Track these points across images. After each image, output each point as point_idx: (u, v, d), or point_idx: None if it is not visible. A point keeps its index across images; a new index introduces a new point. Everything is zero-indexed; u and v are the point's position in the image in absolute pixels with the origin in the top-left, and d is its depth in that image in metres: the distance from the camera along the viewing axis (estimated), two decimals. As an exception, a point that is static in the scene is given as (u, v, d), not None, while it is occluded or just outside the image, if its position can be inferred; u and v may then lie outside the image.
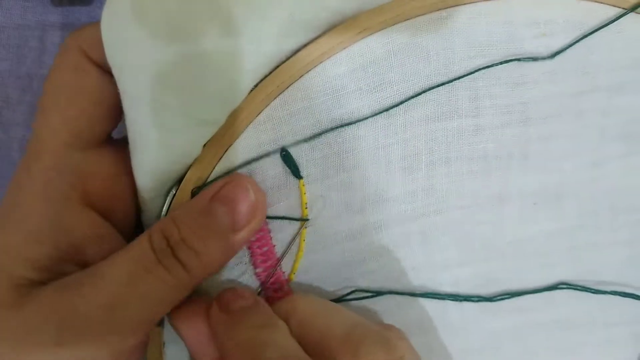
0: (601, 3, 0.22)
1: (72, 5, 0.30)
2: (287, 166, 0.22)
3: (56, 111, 0.21)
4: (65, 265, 0.20)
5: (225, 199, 0.20)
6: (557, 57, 0.22)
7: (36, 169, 0.21)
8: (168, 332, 0.23)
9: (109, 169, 0.22)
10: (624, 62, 0.23)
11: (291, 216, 0.22)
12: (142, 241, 0.20)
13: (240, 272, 0.23)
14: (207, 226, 0.20)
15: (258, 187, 0.21)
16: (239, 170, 0.22)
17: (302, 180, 0.22)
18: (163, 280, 0.19)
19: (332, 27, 0.21)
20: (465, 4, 0.21)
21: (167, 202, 0.22)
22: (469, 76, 0.22)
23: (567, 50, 0.22)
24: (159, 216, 0.23)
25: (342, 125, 0.22)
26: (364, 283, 0.24)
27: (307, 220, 0.23)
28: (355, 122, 0.22)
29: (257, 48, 0.20)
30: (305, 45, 0.21)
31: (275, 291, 0.24)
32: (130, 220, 0.23)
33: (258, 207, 0.21)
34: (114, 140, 0.23)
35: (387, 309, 0.24)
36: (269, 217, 0.23)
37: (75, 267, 0.21)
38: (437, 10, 0.21)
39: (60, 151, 0.21)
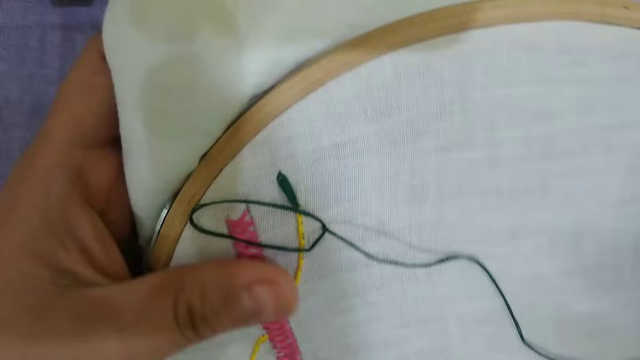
0: None
1: (72, 5, 0.29)
2: (284, 192, 0.21)
3: (66, 108, 0.21)
4: (76, 265, 0.20)
5: (256, 300, 0.19)
6: (588, 88, 0.20)
7: (40, 164, 0.20)
8: None
9: (110, 170, 0.21)
10: None
11: (287, 246, 0.21)
12: (166, 305, 0.19)
13: None
14: (230, 312, 0.20)
15: (295, 294, 0.21)
16: (235, 192, 0.21)
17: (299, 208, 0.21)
18: (178, 346, 0.20)
19: (338, 41, 0.19)
20: (486, 26, 0.19)
21: (160, 218, 0.21)
22: (487, 105, 0.20)
23: (600, 81, 0.20)
24: (152, 231, 0.22)
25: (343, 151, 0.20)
26: (364, 314, 0.23)
27: (306, 250, 0.21)
28: (358, 150, 0.20)
29: (257, 54, 0.19)
30: (308, 61, 0.19)
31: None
32: (125, 225, 0.23)
33: (280, 316, 0.20)
34: (119, 144, 0.23)
35: None
36: (266, 246, 0.21)
37: (87, 267, 0.20)
38: (455, 32, 0.19)
39: (65, 148, 0.20)
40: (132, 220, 0.23)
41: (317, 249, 0.22)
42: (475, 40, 0.19)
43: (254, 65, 0.19)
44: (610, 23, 0.19)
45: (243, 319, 0.20)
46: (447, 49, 0.19)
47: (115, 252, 0.21)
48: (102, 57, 0.20)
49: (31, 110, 0.31)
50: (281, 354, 0.24)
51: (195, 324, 0.19)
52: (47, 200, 0.20)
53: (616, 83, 0.20)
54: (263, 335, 0.23)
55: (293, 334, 0.23)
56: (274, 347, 0.23)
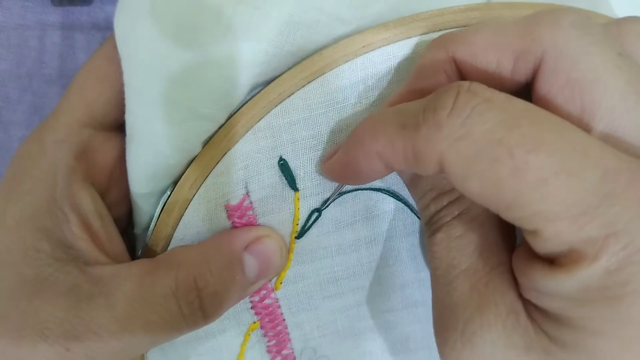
0: None
1: (72, 5, 0.29)
2: (284, 176, 0.21)
3: (79, 92, 0.21)
4: (77, 240, 0.20)
5: (258, 254, 0.21)
6: None
7: (49, 140, 0.21)
8: None
9: (113, 152, 0.22)
10: None
11: (283, 229, 0.22)
12: (165, 287, 0.19)
13: None
14: (234, 277, 0.20)
15: (287, 250, 0.22)
16: (237, 177, 0.21)
17: (297, 193, 0.21)
18: (179, 331, 0.20)
19: (332, 34, 0.20)
20: (464, 26, 0.20)
21: (160, 203, 0.21)
22: None
23: None
24: (150, 218, 0.22)
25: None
26: (352, 298, 0.24)
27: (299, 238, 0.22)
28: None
29: (257, 46, 0.19)
30: (309, 56, 0.20)
31: (261, 299, 0.23)
32: (123, 208, 0.23)
33: (280, 269, 0.22)
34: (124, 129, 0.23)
35: None
36: None
37: (88, 242, 0.20)
38: (439, 30, 0.20)
39: (74, 127, 0.21)
40: (129, 206, 0.23)
41: (307, 234, 0.22)
42: None
43: (253, 56, 0.20)
44: None
45: (246, 284, 0.21)
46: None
47: (114, 231, 0.21)
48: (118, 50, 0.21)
49: (31, 109, 0.31)
50: (272, 343, 0.24)
51: (204, 300, 0.19)
52: (53, 174, 0.20)
53: None
54: (254, 323, 0.23)
55: (284, 320, 0.23)
56: (265, 335, 0.24)
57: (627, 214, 0.14)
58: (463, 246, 0.18)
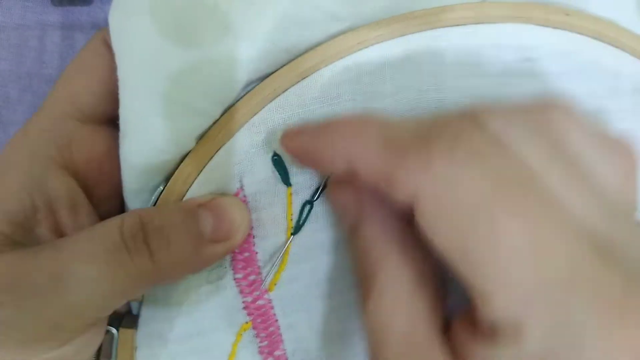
0: (582, 34, 0.22)
1: (72, 5, 0.30)
2: (277, 171, 0.21)
3: (65, 84, 0.21)
4: (38, 226, 0.20)
5: (212, 208, 0.20)
6: (538, 80, 0.22)
7: (32, 129, 0.21)
8: (141, 336, 0.22)
9: (101, 146, 0.22)
10: (601, 91, 0.22)
11: (276, 225, 0.22)
12: (111, 223, 0.19)
13: (219, 275, 0.22)
14: (187, 226, 0.19)
15: (247, 211, 0.21)
16: (231, 171, 0.21)
17: (290, 188, 0.21)
18: (123, 266, 0.18)
19: (326, 31, 0.21)
20: (457, 25, 0.21)
21: (153, 198, 0.21)
22: (458, 93, 0.22)
23: (547, 75, 0.22)
24: None
25: None
26: (347, 298, 0.23)
27: (294, 234, 0.22)
28: None
29: (252, 43, 0.20)
30: (303, 53, 0.20)
31: (254, 300, 0.23)
32: (113, 205, 0.23)
33: (240, 228, 0.20)
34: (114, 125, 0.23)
35: None
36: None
37: (48, 229, 0.20)
38: (432, 29, 0.21)
39: (58, 117, 0.21)
40: (121, 202, 0.22)
41: (302, 231, 0.22)
42: (448, 37, 0.21)
43: (248, 52, 0.20)
44: (555, 27, 0.22)
45: (201, 237, 0.19)
46: (424, 43, 0.21)
47: (86, 223, 0.21)
48: (106, 45, 0.21)
49: (31, 109, 0.31)
50: (263, 344, 0.23)
51: (148, 233, 0.18)
52: (31, 161, 0.20)
53: (558, 77, 0.22)
54: (246, 323, 0.23)
55: (277, 321, 0.23)
56: (257, 335, 0.23)
57: (578, 305, 0.14)
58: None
